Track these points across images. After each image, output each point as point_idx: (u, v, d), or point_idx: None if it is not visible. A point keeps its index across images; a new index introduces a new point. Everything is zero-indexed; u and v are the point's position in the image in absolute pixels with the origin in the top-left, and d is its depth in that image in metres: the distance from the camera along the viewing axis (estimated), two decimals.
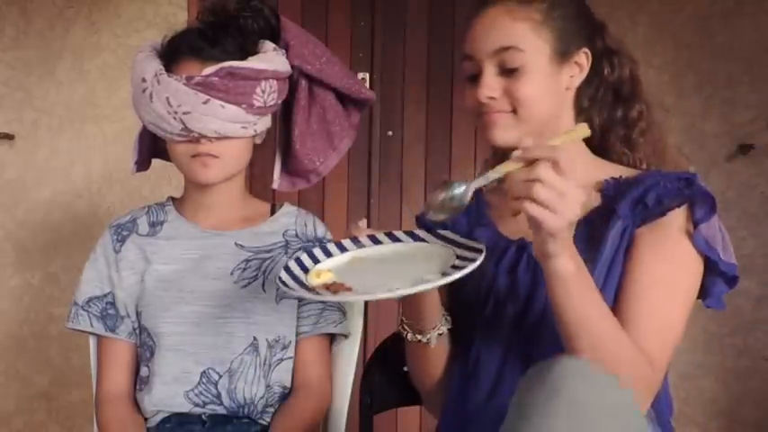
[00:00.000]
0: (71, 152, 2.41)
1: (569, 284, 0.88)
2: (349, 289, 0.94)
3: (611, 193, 1.03)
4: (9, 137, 2.37)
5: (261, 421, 1.26)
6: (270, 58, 1.21)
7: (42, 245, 2.40)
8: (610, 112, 1.13)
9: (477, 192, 1.21)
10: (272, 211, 1.36)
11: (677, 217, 0.98)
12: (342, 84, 1.31)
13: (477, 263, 0.91)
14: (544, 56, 1.03)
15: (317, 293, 0.95)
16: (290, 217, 1.35)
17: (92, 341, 1.36)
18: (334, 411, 1.38)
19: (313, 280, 0.99)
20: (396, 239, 1.06)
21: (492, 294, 1.07)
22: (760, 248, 2.44)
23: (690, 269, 0.99)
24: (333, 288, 0.95)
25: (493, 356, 1.05)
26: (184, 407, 1.23)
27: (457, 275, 0.89)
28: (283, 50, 1.25)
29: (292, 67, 1.25)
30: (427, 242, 1.04)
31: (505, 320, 1.05)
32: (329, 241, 1.11)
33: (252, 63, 1.18)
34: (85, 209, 2.41)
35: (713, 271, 1.00)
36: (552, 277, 0.89)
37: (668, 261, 0.97)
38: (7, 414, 2.39)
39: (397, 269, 0.97)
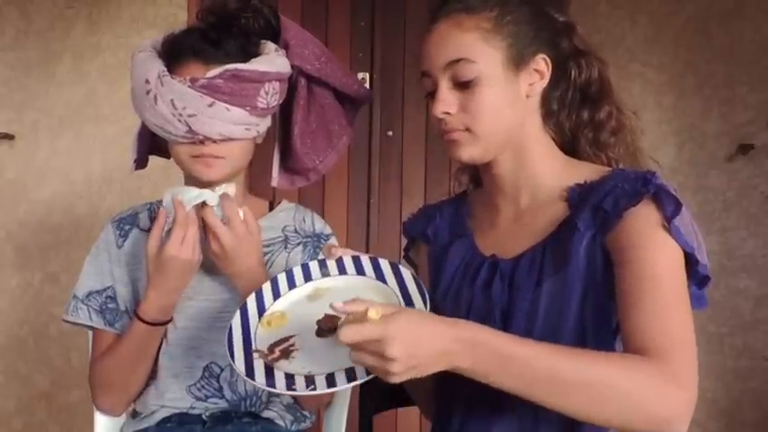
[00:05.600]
0: (71, 152, 2.41)
1: (483, 366, 0.85)
2: (290, 347, 0.93)
3: (576, 201, 1.02)
4: (9, 137, 2.38)
5: (264, 414, 1.26)
6: (272, 60, 1.21)
7: (42, 245, 2.40)
8: (578, 113, 1.11)
9: (461, 200, 1.22)
10: (271, 208, 1.37)
11: (641, 214, 0.96)
12: (341, 83, 1.31)
13: None
14: (497, 64, 1.00)
15: (261, 359, 0.91)
16: (288, 213, 1.36)
17: (90, 338, 1.36)
18: (335, 411, 1.38)
19: (262, 331, 0.97)
20: (360, 270, 1.04)
21: (470, 314, 1.06)
22: (760, 248, 2.44)
23: (671, 254, 0.95)
24: (279, 349, 0.93)
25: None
26: (186, 401, 1.24)
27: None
28: (283, 50, 1.25)
29: (292, 66, 1.25)
30: (386, 283, 1.01)
31: None
32: (298, 265, 1.10)
33: (256, 65, 1.18)
34: (85, 209, 2.41)
35: (686, 272, 0.97)
36: (470, 373, 0.86)
37: (647, 253, 0.94)
38: (7, 414, 2.39)
39: None
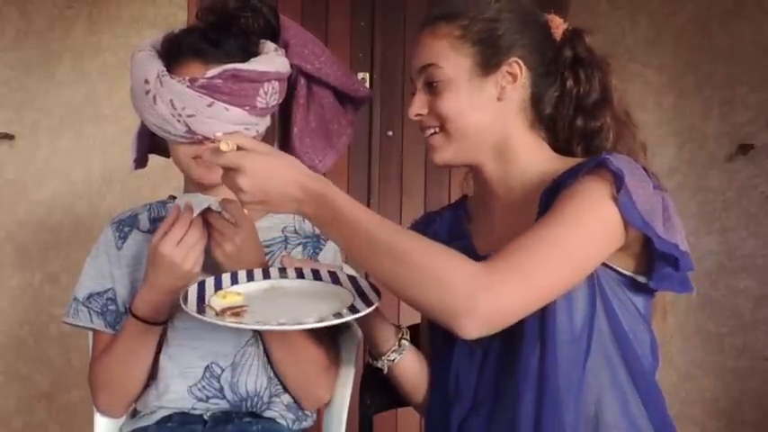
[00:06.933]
0: (71, 152, 2.41)
1: (321, 219, 0.94)
2: (242, 310, 0.98)
3: (551, 193, 1.01)
4: (9, 137, 2.37)
5: (266, 414, 1.26)
6: (272, 59, 1.21)
7: (42, 245, 2.40)
8: (571, 121, 1.11)
9: (460, 204, 1.23)
10: None
11: (590, 181, 0.94)
12: (340, 82, 1.31)
13: (351, 317, 0.94)
14: (464, 70, 1.05)
15: (211, 315, 0.96)
16: (288, 213, 1.35)
17: (91, 339, 1.36)
18: (335, 411, 1.38)
19: (216, 300, 1.02)
20: (318, 277, 1.10)
21: None
22: (760, 248, 2.44)
23: (602, 217, 0.93)
24: (231, 311, 0.98)
25: (470, 376, 1.06)
26: (187, 402, 1.24)
27: (335, 321, 0.94)
28: (282, 50, 1.25)
29: (291, 66, 1.25)
30: (343, 287, 1.06)
31: (477, 340, 1.03)
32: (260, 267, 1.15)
33: (255, 65, 1.18)
34: (85, 209, 2.41)
35: (650, 248, 0.94)
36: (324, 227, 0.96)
37: (573, 202, 0.93)
38: (7, 414, 2.39)
39: (305, 305, 0.99)
